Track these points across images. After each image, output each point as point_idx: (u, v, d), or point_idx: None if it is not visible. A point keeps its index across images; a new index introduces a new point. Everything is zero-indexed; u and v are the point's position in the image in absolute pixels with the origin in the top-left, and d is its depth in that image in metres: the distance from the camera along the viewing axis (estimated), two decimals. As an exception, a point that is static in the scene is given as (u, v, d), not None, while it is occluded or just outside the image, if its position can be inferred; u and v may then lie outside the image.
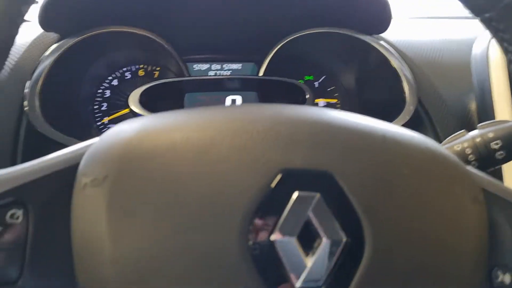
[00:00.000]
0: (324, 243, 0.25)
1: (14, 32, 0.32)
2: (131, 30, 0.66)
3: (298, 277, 0.25)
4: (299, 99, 0.68)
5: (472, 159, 0.44)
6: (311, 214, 0.25)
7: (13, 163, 0.54)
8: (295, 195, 0.25)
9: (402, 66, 0.65)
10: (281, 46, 0.70)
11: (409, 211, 0.27)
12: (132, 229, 0.24)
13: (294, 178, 0.26)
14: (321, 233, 0.25)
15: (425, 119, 0.64)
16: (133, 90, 0.65)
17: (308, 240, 0.25)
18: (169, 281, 0.24)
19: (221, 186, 0.25)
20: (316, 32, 0.69)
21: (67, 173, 0.26)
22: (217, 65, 0.73)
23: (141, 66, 0.71)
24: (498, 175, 0.58)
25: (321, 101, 0.74)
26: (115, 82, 0.70)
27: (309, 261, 0.25)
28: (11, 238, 0.26)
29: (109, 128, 0.68)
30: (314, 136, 0.27)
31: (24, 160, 0.55)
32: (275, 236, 0.25)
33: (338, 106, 0.74)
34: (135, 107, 0.63)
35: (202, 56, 0.73)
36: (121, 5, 0.66)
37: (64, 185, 0.26)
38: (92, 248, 0.24)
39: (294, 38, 0.69)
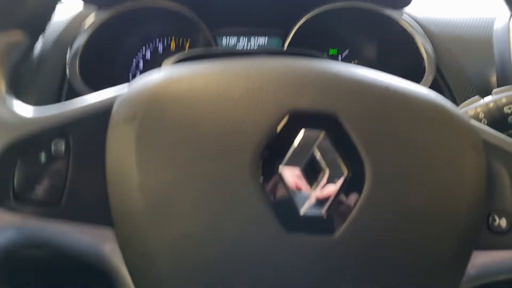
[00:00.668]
0: (327, 175, 0.28)
1: (52, 9, 0.36)
2: (163, 5, 0.70)
3: (302, 205, 0.28)
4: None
5: (485, 123, 0.45)
6: (316, 150, 0.28)
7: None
8: (302, 132, 0.29)
9: (423, 39, 0.67)
10: (305, 21, 0.72)
11: (408, 152, 0.29)
12: (157, 160, 0.28)
13: (301, 118, 0.29)
14: (325, 166, 0.28)
15: (444, 90, 0.65)
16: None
17: (313, 173, 0.28)
18: (188, 204, 0.27)
19: (236, 123, 0.28)
20: (340, 6, 0.71)
21: (103, 114, 0.30)
22: (245, 39, 0.76)
23: (173, 38, 0.75)
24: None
25: (344, 74, 0.76)
26: (148, 54, 0.74)
27: (313, 191, 0.28)
28: (55, 165, 0.30)
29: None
30: (321, 82, 0.30)
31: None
32: (283, 167, 0.28)
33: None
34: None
35: (231, 30, 0.76)
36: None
37: (101, 123, 0.30)
38: (123, 176, 0.28)
39: (318, 12, 0.72)
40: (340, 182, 0.28)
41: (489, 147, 0.32)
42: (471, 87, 0.65)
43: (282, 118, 0.28)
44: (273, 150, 0.28)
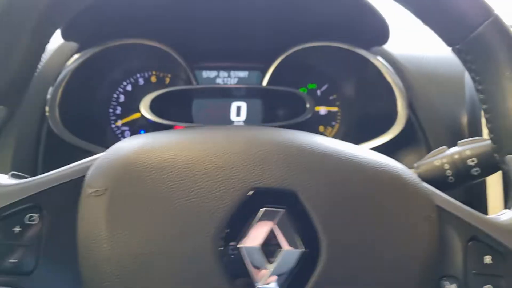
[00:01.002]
0: (284, 252, 0.29)
1: (29, 80, 0.35)
2: (145, 43, 0.71)
3: (259, 281, 0.29)
4: (300, 108, 0.72)
5: (450, 174, 0.47)
6: (275, 227, 0.30)
7: (35, 164, 0.60)
8: (263, 210, 0.30)
9: (396, 80, 0.69)
10: (285, 57, 0.74)
11: (364, 226, 0.31)
12: (126, 233, 0.29)
13: (263, 195, 0.30)
14: (283, 243, 0.30)
15: (418, 131, 0.67)
16: (145, 95, 0.71)
17: (271, 249, 0.30)
18: (154, 275, 0.29)
19: (201, 199, 0.29)
20: (317, 45, 0.73)
21: (75, 184, 0.32)
22: (225, 73, 0.77)
23: (153, 73, 0.76)
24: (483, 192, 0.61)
25: (322, 109, 0.78)
26: (129, 88, 0.75)
27: (271, 267, 0.29)
28: (29, 236, 0.31)
29: (122, 130, 0.74)
30: (283, 159, 0.31)
31: (45, 161, 0.61)
32: (243, 244, 0.29)
33: (338, 114, 0.78)
34: (145, 112, 0.70)
35: (211, 64, 0.77)
36: (135, 17, 0.71)
37: (73, 193, 0.31)
38: (93, 247, 0.29)
39: (296, 50, 0.73)
40: (296, 259, 0.29)
41: (442, 213, 0.33)
42: (443, 126, 0.67)
43: (245, 195, 0.30)
44: (235, 226, 0.29)
